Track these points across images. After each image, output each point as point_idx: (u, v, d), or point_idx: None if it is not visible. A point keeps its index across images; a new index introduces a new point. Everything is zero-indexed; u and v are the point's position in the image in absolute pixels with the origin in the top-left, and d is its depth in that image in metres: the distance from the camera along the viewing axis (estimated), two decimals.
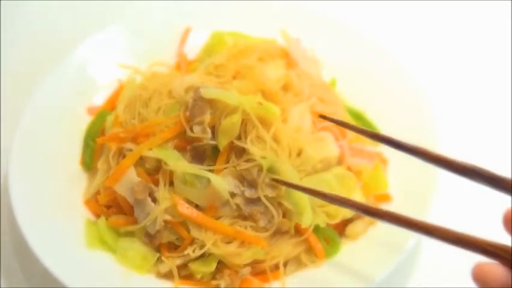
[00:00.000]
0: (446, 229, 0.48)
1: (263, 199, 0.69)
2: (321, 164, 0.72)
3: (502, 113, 0.95)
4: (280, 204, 0.70)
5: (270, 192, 0.69)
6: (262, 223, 0.70)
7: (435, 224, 0.49)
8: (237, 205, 0.69)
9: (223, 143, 0.70)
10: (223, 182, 0.69)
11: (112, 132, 0.77)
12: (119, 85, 0.88)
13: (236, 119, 0.69)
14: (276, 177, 0.68)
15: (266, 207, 0.69)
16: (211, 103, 0.71)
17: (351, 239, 0.74)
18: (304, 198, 0.69)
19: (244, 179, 0.69)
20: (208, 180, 0.69)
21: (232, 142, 0.70)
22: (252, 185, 0.69)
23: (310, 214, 0.69)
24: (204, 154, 0.71)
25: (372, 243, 0.73)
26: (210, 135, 0.70)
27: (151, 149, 0.71)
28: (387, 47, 0.90)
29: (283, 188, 0.69)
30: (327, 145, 0.74)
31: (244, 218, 0.70)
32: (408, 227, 0.52)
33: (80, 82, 0.87)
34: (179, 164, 0.70)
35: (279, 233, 0.71)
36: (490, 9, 1.10)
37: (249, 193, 0.69)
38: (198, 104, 0.71)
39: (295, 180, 0.69)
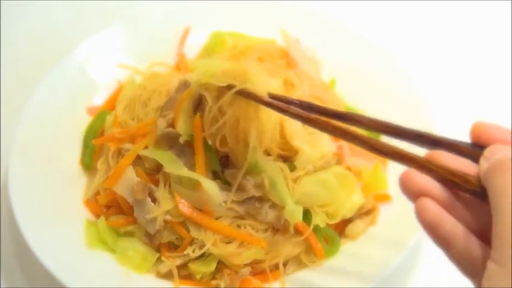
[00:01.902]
0: (388, 145, 0.51)
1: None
2: (321, 162, 0.72)
3: (502, 111, 0.95)
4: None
5: (255, 192, 0.69)
6: (260, 218, 0.70)
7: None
8: (231, 208, 0.69)
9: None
10: (214, 187, 0.68)
11: (109, 132, 0.77)
12: (119, 85, 0.88)
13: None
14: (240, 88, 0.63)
15: (260, 203, 0.69)
16: None
17: (351, 239, 0.74)
18: (283, 191, 0.68)
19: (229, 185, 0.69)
20: (199, 183, 0.68)
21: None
22: (239, 189, 0.69)
23: (294, 208, 0.68)
24: (184, 150, 0.70)
25: (372, 243, 0.73)
26: (165, 124, 0.69)
27: (146, 147, 0.71)
28: (387, 47, 0.90)
29: (267, 184, 0.68)
30: (322, 140, 0.73)
31: (243, 217, 0.70)
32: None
33: (80, 82, 0.87)
34: (173, 166, 0.69)
35: (278, 230, 0.71)
36: (490, 8, 1.10)
37: (237, 198, 0.69)
38: (174, 98, 0.70)
39: (276, 170, 0.68)
